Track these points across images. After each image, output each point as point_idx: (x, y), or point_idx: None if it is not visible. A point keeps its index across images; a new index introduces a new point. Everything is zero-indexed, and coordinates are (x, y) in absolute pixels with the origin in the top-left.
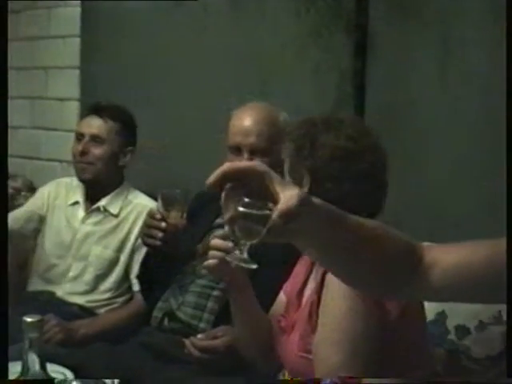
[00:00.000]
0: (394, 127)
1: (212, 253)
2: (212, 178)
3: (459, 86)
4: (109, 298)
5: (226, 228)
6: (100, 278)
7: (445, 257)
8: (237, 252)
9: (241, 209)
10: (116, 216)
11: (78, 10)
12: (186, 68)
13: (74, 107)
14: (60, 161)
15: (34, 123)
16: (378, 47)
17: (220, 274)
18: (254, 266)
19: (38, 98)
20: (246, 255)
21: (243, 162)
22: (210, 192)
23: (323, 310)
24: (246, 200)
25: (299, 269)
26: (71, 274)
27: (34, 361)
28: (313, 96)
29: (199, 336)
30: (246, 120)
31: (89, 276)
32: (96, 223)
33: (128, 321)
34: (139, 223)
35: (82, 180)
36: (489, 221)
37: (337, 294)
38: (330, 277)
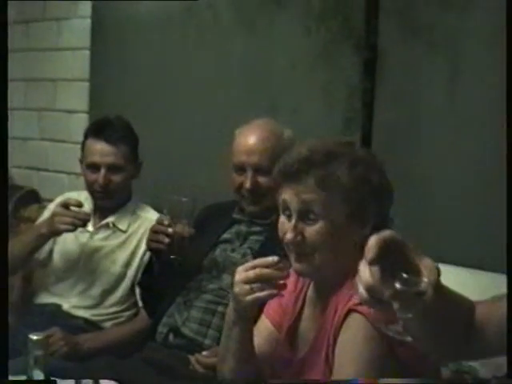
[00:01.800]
0: (401, 146)
1: (261, 285)
2: (372, 254)
3: (468, 106)
4: (115, 313)
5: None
6: (107, 292)
7: (494, 312)
8: (394, 326)
9: (399, 286)
10: (124, 232)
11: (88, 22)
12: (195, 82)
13: (82, 120)
14: (68, 173)
15: (42, 135)
16: (387, 66)
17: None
18: (409, 339)
19: (47, 109)
20: (401, 328)
21: (385, 233)
22: (219, 205)
23: (345, 351)
24: (404, 276)
25: (286, 297)
26: (78, 288)
27: (39, 378)
28: (322, 114)
29: (204, 353)
30: (249, 139)
31: (96, 290)
32: (104, 239)
33: (133, 336)
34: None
35: (102, 205)
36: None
37: (360, 337)
38: (352, 320)
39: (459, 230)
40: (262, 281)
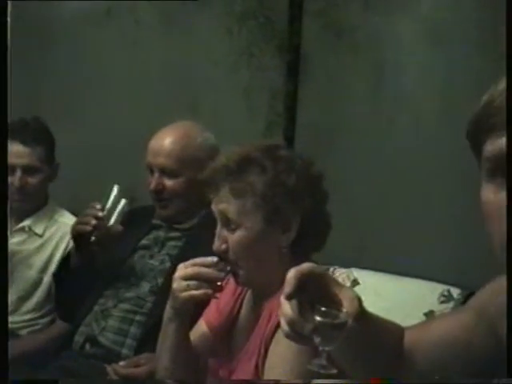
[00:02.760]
0: (324, 149)
1: (198, 283)
2: (290, 289)
3: (391, 110)
4: (31, 319)
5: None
6: (22, 299)
7: (424, 336)
8: (317, 360)
9: (318, 318)
10: (41, 236)
11: (7, 20)
12: (116, 83)
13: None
14: None
15: None
16: (310, 68)
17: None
18: (334, 371)
19: None
20: (325, 361)
21: (304, 266)
22: (140, 209)
23: (275, 365)
24: (323, 309)
25: (224, 301)
26: None
27: None
28: (244, 115)
29: (121, 363)
30: (158, 140)
31: (11, 297)
32: (20, 243)
33: (50, 344)
34: (64, 243)
35: (16, 207)
36: (414, 247)
37: (291, 351)
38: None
39: (383, 236)
40: (200, 279)
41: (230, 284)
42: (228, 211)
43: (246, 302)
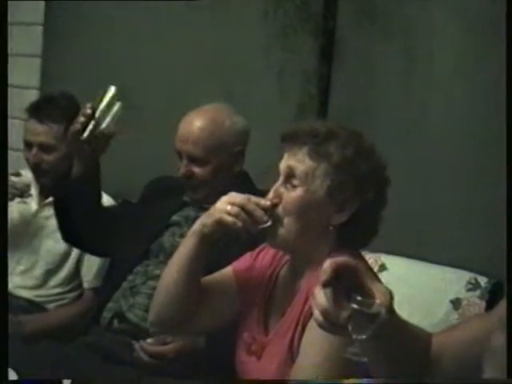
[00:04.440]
0: None
1: (239, 212)
2: (326, 277)
3: (423, 95)
4: (58, 294)
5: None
6: (50, 272)
7: (451, 341)
8: (350, 347)
9: (355, 306)
10: None
11: None
12: (148, 60)
13: (34, 96)
14: (20, 150)
15: None
16: (343, 52)
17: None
18: (365, 360)
19: None
20: (357, 349)
21: (340, 258)
22: (169, 180)
23: (313, 344)
24: (359, 298)
25: (259, 268)
26: (21, 267)
27: None
28: (276, 97)
29: (149, 340)
30: (186, 126)
31: (39, 270)
32: (48, 217)
33: (77, 318)
34: None
35: (40, 183)
36: (443, 235)
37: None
38: None
39: (410, 224)
40: (244, 210)
41: (268, 255)
42: (297, 168)
43: (281, 277)
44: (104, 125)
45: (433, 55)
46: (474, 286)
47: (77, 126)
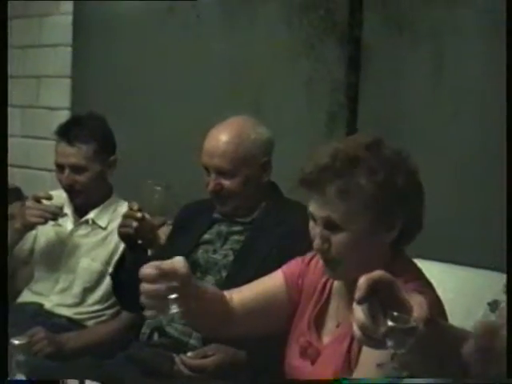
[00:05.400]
0: (386, 140)
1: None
2: (361, 294)
3: (453, 101)
4: (97, 311)
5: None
6: (88, 290)
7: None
8: (390, 362)
9: (390, 323)
10: (104, 228)
11: (70, 18)
12: (178, 77)
13: (64, 116)
14: (50, 170)
15: (24, 132)
16: (371, 60)
17: None
18: (405, 374)
19: (29, 106)
20: (397, 364)
21: (375, 274)
22: (199, 203)
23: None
24: (395, 314)
25: (311, 279)
26: (59, 286)
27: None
28: (305, 107)
29: (189, 354)
30: (213, 140)
31: (77, 288)
32: (84, 236)
33: (116, 334)
34: None
35: (74, 203)
36: (479, 238)
37: None
38: None
39: (445, 228)
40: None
41: (321, 263)
42: (333, 215)
43: (336, 289)
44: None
45: (461, 61)
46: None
47: (129, 230)
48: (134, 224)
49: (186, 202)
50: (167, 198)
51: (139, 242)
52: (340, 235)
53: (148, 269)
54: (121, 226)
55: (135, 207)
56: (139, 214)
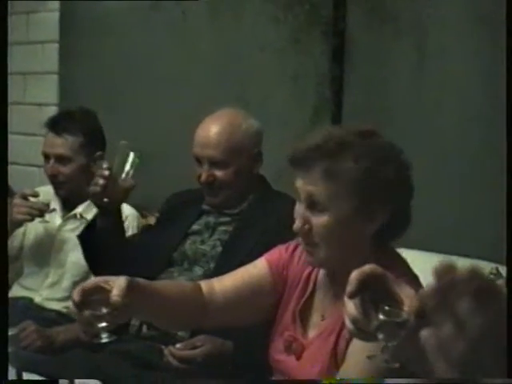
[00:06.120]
0: None
1: None
2: (352, 288)
3: (436, 93)
4: None
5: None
6: (77, 284)
7: None
8: (381, 354)
9: (382, 317)
10: None
11: (57, 14)
12: (164, 72)
13: (52, 113)
14: (38, 166)
15: (12, 128)
16: (355, 53)
17: None
18: (397, 366)
19: (16, 103)
20: (388, 356)
21: (366, 267)
22: (187, 193)
23: (354, 352)
24: (386, 308)
25: (296, 268)
26: (49, 280)
27: (10, 372)
28: (291, 101)
29: (178, 345)
30: (205, 131)
31: (66, 282)
32: (72, 230)
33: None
34: None
35: (58, 195)
36: (463, 227)
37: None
38: None
39: (427, 219)
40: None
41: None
42: (317, 193)
43: (320, 281)
44: (122, 177)
45: (444, 52)
46: (495, 275)
47: (96, 188)
48: (101, 182)
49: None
50: (137, 165)
51: (105, 200)
52: (321, 217)
53: (74, 294)
54: (91, 185)
55: (104, 165)
56: (106, 172)
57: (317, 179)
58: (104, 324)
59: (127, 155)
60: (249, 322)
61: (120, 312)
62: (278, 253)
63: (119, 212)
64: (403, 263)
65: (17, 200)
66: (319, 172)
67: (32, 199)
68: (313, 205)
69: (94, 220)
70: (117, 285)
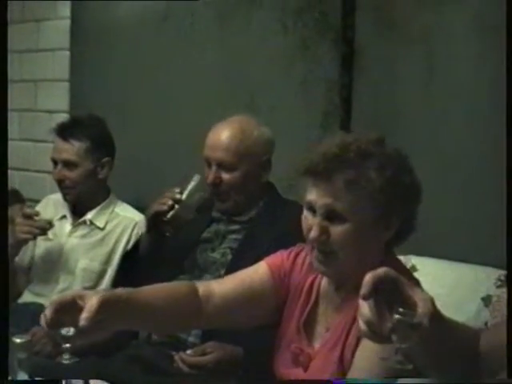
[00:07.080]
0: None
1: None
2: (366, 290)
3: (444, 101)
4: None
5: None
6: (88, 290)
7: (498, 337)
8: (395, 356)
9: (397, 317)
10: (102, 229)
11: (68, 22)
12: (174, 81)
13: (62, 119)
14: (49, 172)
15: (23, 135)
16: (364, 60)
17: None
18: (410, 367)
19: (27, 110)
20: (401, 358)
21: (380, 270)
22: (201, 203)
23: (366, 353)
24: (401, 309)
25: (298, 275)
26: (59, 286)
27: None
28: (300, 108)
29: (188, 352)
30: (216, 134)
31: (76, 288)
32: (82, 236)
33: (116, 334)
34: (126, 236)
35: (66, 201)
36: (472, 234)
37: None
38: None
39: (438, 226)
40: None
41: (308, 260)
42: (337, 204)
43: (324, 289)
44: (186, 212)
45: (452, 60)
46: (503, 282)
47: (163, 207)
48: (170, 202)
49: None
50: (199, 204)
51: (167, 216)
52: (340, 227)
53: (47, 309)
54: (157, 203)
55: (177, 189)
56: (178, 196)
57: (338, 190)
58: (68, 345)
59: (197, 191)
60: (248, 326)
61: (87, 334)
62: (280, 258)
63: (166, 240)
64: (404, 268)
65: (19, 219)
66: (341, 183)
67: (36, 218)
68: (332, 215)
69: (135, 246)
70: (88, 305)
